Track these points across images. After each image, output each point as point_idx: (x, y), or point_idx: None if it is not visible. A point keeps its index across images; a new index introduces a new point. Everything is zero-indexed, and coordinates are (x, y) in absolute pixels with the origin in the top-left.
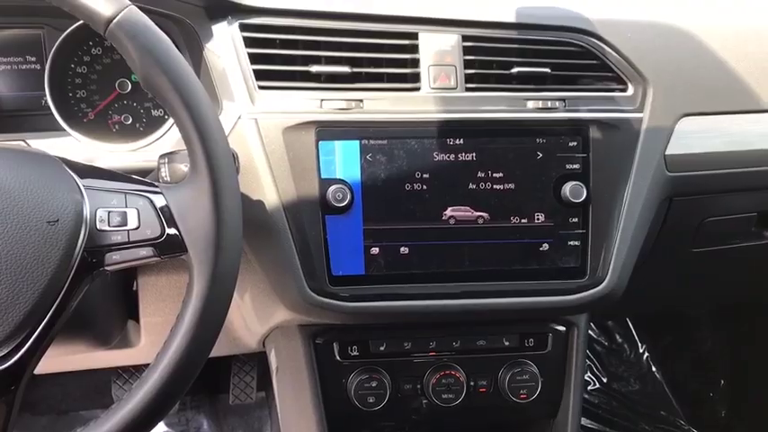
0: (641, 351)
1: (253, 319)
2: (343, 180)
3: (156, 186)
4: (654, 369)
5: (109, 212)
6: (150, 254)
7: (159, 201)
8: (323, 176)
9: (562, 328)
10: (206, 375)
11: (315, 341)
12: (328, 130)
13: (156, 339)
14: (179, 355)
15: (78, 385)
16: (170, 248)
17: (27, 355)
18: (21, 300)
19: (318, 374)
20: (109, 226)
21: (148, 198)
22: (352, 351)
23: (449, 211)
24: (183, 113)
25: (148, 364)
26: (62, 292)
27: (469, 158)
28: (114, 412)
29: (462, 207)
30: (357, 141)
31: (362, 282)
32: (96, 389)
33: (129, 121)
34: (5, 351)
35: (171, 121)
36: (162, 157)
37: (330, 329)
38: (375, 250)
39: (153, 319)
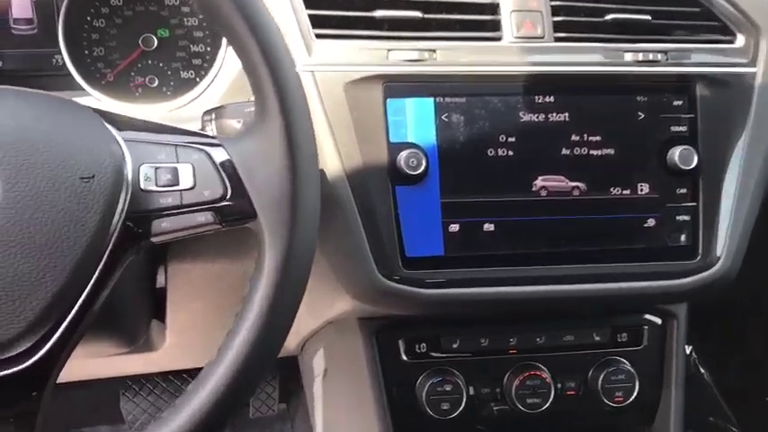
0: (688, 352)
1: (301, 312)
2: (415, 144)
3: (214, 138)
4: (702, 371)
5: (156, 169)
6: (210, 220)
7: (219, 155)
8: (392, 140)
9: (658, 321)
10: None
11: (377, 337)
12: (397, 86)
13: (182, 341)
14: (249, 347)
15: (80, 398)
16: (234, 214)
17: (54, 350)
18: (47, 278)
19: (383, 378)
20: (156, 186)
21: (205, 152)
22: (420, 349)
23: (539, 182)
24: (250, 41)
25: (170, 372)
26: (99, 269)
27: (561, 119)
28: (169, 419)
29: (555, 176)
30: (431, 99)
31: (441, 264)
32: (101, 402)
33: (155, 84)
34: (26, 346)
35: (204, 83)
36: (207, 113)
37: (395, 323)
38: (455, 227)
39: (182, 316)
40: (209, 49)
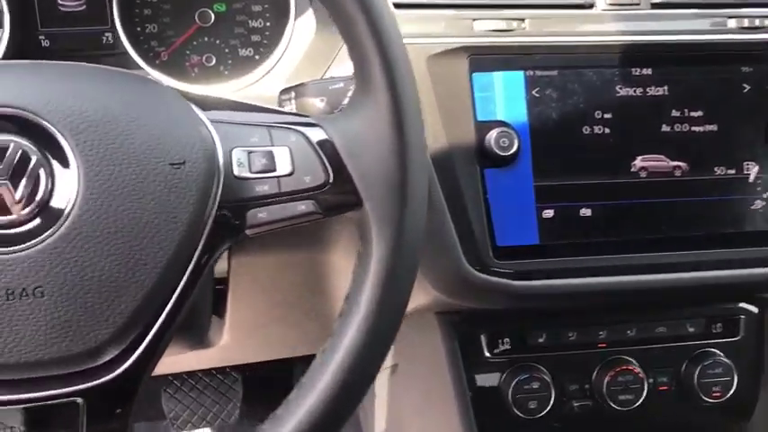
0: None
1: None
2: (505, 122)
3: (309, 117)
4: None
5: (249, 153)
6: (311, 209)
7: (317, 136)
8: (479, 118)
9: (755, 309)
10: (262, 383)
11: (458, 332)
12: (484, 59)
13: (240, 337)
14: (359, 345)
15: None
16: (337, 202)
17: (141, 360)
18: (137, 278)
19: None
20: (250, 172)
21: (302, 133)
22: (503, 344)
23: (639, 162)
24: (356, 12)
25: (219, 368)
26: (191, 267)
27: (660, 93)
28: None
29: (655, 156)
30: (521, 72)
31: (535, 254)
32: (143, 398)
33: (212, 63)
34: (113, 354)
35: (270, 61)
36: (285, 91)
37: (476, 317)
38: (549, 213)
39: (242, 313)
40: (268, 24)
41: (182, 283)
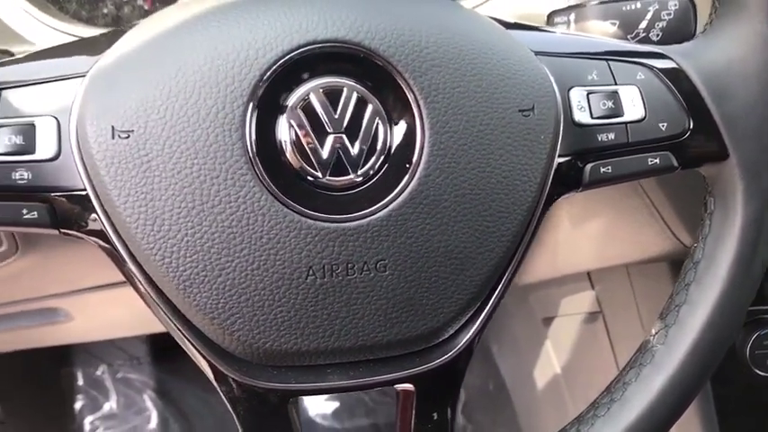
0: None
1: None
2: None
3: (653, 46)
4: None
5: (589, 94)
6: (666, 163)
7: (669, 71)
8: None
9: None
10: None
11: None
12: None
13: None
14: (713, 329)
15: None
16: (696, 153)
17: (475, 337)
18: (486, 247)
19: None
20: (592, 117)
21: (650, 67)
22: None
23: None
24: None
25: None
26: (532, 231)
27: None
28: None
29: None
30: None
31: None
32: None
33: None
34: (449, 333)
35: None
36: (558, 13)
37: None
38: None
39: None
40: None
41: (522, 248)
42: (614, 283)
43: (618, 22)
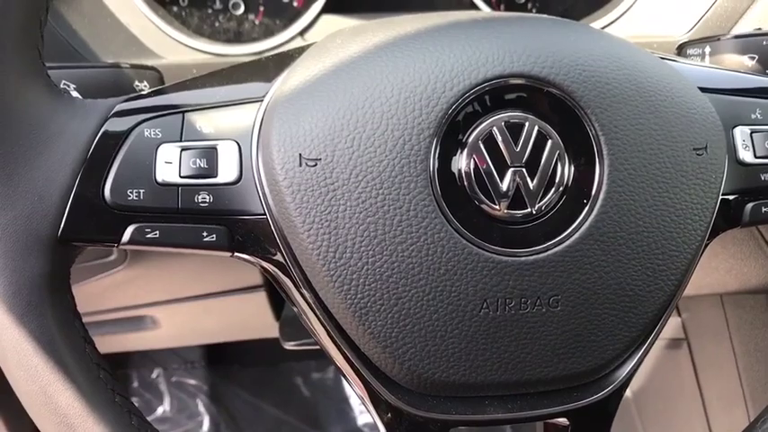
0: None
1: None
2: None
3: None
4: None
5: (752, 133)
6: None
7: None
8: None
9: None
10: None
11: None
12: None
13: None
14: None
15: None
16: None
17: (632, 372)
18: (658, 283)
19: None
20: (756, 157)
21: None
22: None
23: None
24: None
25: None
26: (695, 265)
27: None
28: None
29: None
30: None
31: None
32: None
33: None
34: (610, 369)
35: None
36: (693, 44)
37: None
38: None
39: None
40: None
41: (684, 285)
42: (705, 312)
43: (757, 57)
